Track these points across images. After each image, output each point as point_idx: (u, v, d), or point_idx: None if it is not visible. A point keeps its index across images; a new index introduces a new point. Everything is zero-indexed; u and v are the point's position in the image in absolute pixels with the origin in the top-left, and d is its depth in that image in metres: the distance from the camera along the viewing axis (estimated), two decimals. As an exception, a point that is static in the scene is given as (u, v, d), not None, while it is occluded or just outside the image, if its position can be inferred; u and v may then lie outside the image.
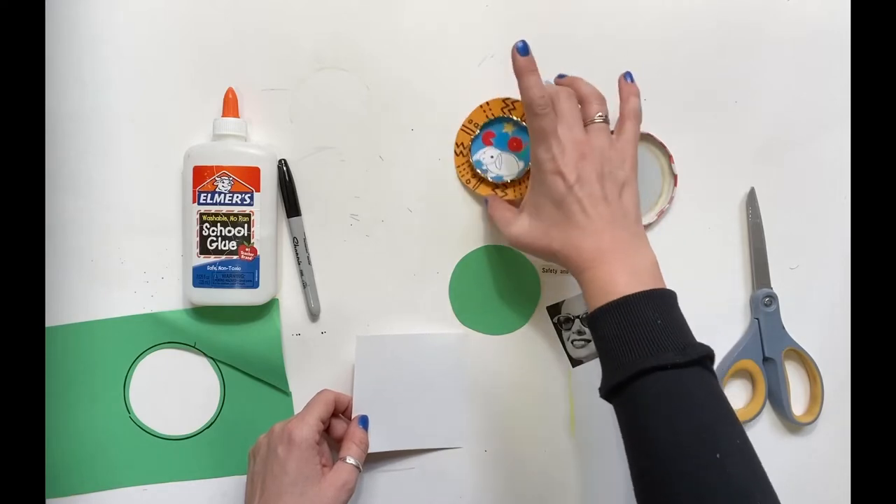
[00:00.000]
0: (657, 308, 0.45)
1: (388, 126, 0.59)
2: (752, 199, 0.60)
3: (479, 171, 0.58)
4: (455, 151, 0.59)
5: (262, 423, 0.58)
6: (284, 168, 0.58)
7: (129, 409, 0.59)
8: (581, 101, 0.52)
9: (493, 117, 0.58)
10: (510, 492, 0.60)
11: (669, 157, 0.58)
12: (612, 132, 0.52)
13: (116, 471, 0.58)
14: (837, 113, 0.60)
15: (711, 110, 0.59)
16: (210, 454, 0.59)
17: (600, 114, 0.51)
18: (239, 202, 0.55)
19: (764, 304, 0.59)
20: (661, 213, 0.59)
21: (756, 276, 0.60)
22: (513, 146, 0.58)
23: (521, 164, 0.58)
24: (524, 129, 0.58)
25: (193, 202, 0.55)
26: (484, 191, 0.58)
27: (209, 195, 0.55)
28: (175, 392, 0.59)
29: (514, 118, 0.58)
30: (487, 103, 0.58)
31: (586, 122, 0.51)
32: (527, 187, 0.54)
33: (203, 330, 0.58)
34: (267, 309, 0.58)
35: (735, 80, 0.59)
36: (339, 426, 0.57)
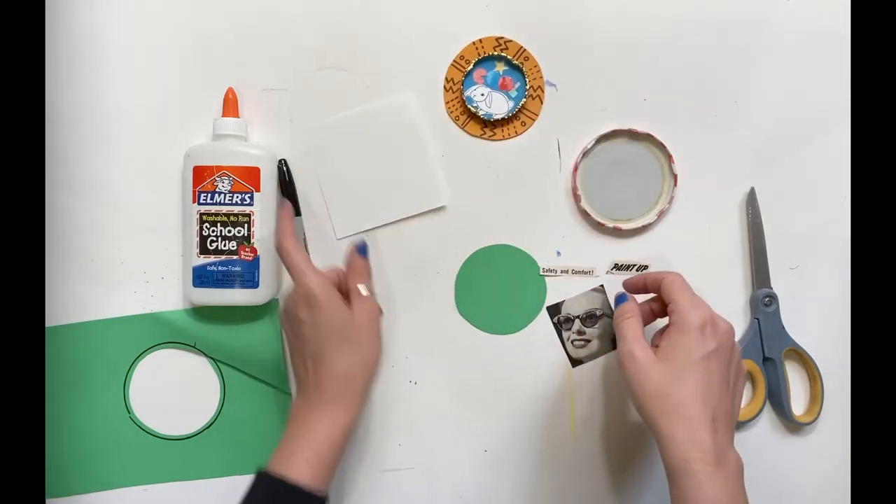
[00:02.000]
0: None
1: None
2: (752, 199, 0.60)
3: (470, 107, 0.58)
4: (444, 87, 0.58)
5: (263, 424, 0.58)
6: (284, 168, 0.58)
7: (129, 409, 0.59)
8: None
9: (484, 55, 0.58)
10: (510, 492, 0.60)
11: (669, 157, 0.58)
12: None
13: (117, 471, 0.59)
14: (837, 113, 0.60)
15: (711, 110, 0.59)
16: (210, 454, 0.59)
17: None
18: (239, 202, 0.55)
19: (764, 304, 0.59)
20: (661, 213, 0.59)
21: (756, 276, 0.60)
22: (503, 85, 0.58)
23: (511, 104, 0.58)
24: (516, 69, 0.58)
25: (193, 202, 0.55)
26: (473, 129, 0.58)
27: (209, 195, 0.55)
28: (175, 392, 0.59)
29: (507, 56, 0.58)
30: (480, 41, 0.58)
31: None
32: (514, 128, 0.58)
33: (203, 330, 0.58)
34: (267, 309, 0.58)
35: (735, 80, 0.59)
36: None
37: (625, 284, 0.57)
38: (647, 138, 0.58)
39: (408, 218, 0.59)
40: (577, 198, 0.58)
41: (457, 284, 0.59)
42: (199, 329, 0.58)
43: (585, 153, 0.58)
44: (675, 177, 0.58)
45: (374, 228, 0.59)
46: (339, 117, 0.58)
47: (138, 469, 0.59)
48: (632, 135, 0.58)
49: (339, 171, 0.59)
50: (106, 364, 0.58)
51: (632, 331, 0.51)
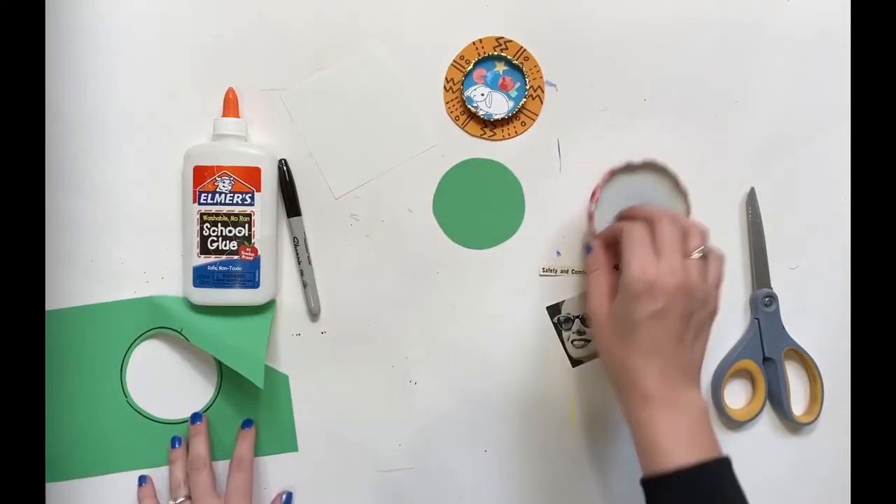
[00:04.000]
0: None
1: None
2: (752, 199, 0.60)
3: (470, 107, 0.58)
4: (444, 87, 0.59)
5: (258, 409, 0.58)
6: (284, 168, 0.58)
7: (126, 394, 0.59)
8: (683, 231, 0.50)
9: (484, 55, 0.58)
10: (510, 492, 0.60)
11: (675, 181, 0.54)
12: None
13: (115, 455, 0.59)
14: (837, 113, 0.60)
15: (711, 110, 0.59)
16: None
17: (700, 249, 0.49)
18: (239, 202, 0.55)
19: (764, 304, 0.59)
20: None
21: (756, 276, 0.60)
22: (503, 85, 0.58)
23: (511, 104, 0.58)
24: (516, 69, 0.58)
25: (194, 202, 0.55)
26: (473, 129, 0.58)
27: (209, 195, 0.55)
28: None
29: (507, 56, 0.58)
30: (480, 40, 0.58)
31: (685, 254, 0.49)
32: (514, 128, 0.58)
33: (191, 316, 0.58)
34: (265, 306, 0.58)
35: (735, 80, 0.59)
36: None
37: (601, 237, 0.54)
38: (664, 171, 0.54)
39: (401, 164, 0.59)
40: (594, 197, 0.54)
41: (435, 198, 0.59)
42: (187, 315, 0.58)
43: (596, 196, 0.54)
44: (685, 195, 0.55)
45: (370, 180, 0.59)
46: (313, 79, 0.58)
47: (136, 453, 0.59)
48: (631, 168, 0.54)
49: (324, 132, 0.59)
50: (103, 348, 0.58)
51: (595, 285, 0.52)
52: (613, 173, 0.54)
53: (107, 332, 0.58)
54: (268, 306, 0.58)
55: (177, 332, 0.58)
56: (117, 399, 0.59)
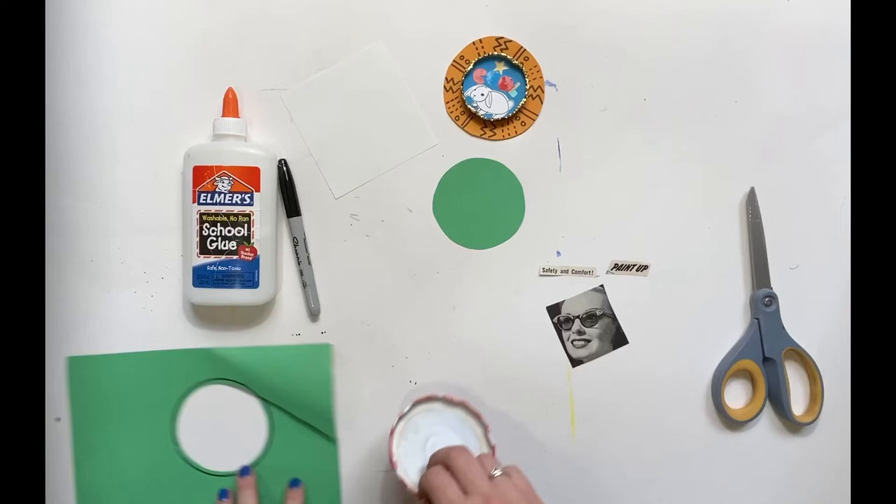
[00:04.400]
0: None
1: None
2: (752, 199, 0.60)
3: (469, 106, 0.58)
4: (444, 87, 0.59)
5: (307, 466, 0.58)
6: (284, 168, 0.58)
7: (176, 443, 0.58)
8: (478, 459, 0.50)
9: (484, 55, 0.58)
10: (510, 492, 0.60)
11: (486, 428, 0.55)
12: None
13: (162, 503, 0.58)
14: (837, 113, 0.60)
15: (711, 110, 0.59)
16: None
17: (496, 468, 0.49)
18: (239, 202, 0.55)
19: (764, 304, 0.59)
20: None
21: (756, 276, 0.60)
22: (503, 85, 0.59)
23: (511, 104, 0.58)
24: (516, 69, 0.58)
25: (193, 202, 0.55)
26: (473, 129, 0.58)
27: (209, 195, 0.55)
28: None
29: (507, 56, 0.58)
30: (480, 40, 0.58)
31: (488, 477, 0.48)
32: (514, 128, 0.58)
33: (254, 369, 0.58)
34: (320, 355, 0.58)
35: (735, 80, 0.59)
36: None
37: (419, 496, 0.52)
38: (463, 406, 0.56)
39: (401, 164, 0.59)
40: (393, 465, 0.53)
41: (435, 198, 0.59)
42: (251, 368, 0.58)
43: (402, 417, 0.55)
44: (492, 448, 0.54)
45: (370, 180, 0.59)
46: (313, 79, 0.58)
47: (184, 503, 0.58)
48: (448, 402, 0.56)
49: (324, 132, 0.59)
50: (155, 396, 0.58)
51: None
52: (416, 402, 0.55)
53: (160, 380, 0.58)
54: (323, 355, 0.58)
55: (241, 384, 0.58)
56: (167, 448, 0.58)
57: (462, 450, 0.50)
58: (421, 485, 0.50)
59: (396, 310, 0.60)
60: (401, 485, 0.54)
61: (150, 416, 0.58)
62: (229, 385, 0.59)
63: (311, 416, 0.58)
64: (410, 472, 0.54)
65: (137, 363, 0.58)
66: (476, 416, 0.56)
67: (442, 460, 0.50)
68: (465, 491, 0.47)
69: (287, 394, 0.58)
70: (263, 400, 0.58)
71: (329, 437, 0.58)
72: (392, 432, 0.54)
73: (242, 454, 0.59)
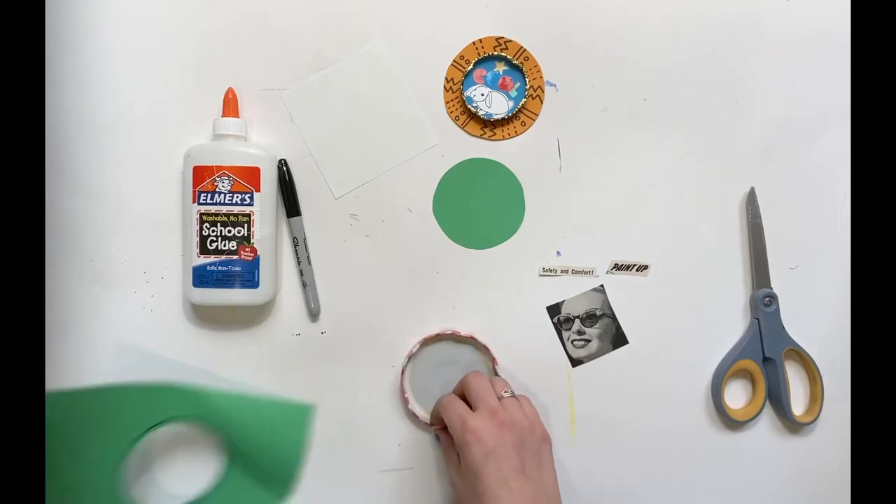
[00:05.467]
0: None
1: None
2: (752, 199, 0.60)
3: (470, 106, 0.58)
4: (444, 87, 0.59)
5: None
6: (284, 168, 0.58)
7: (119, 486, 0.56)
8: (490, 381, 0.54)
9: (484, 55, 0.58)
10: (510, 492, 0.60)
11: (493, 360, 0.58)
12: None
13: None
14: (837, 113, 0.60)
15: (711, 110, 0.60)
16: None
17: (506, 391, 0.53)
18: (239, 202, 0.55)
19: (764, 304, 0.59)
20: None
21: (756, 276, 0.60)
22: (503, 85, 0.59)
23: (511, 104, 0.58)
24: (516, 69, 0.58)
25: (193, 202, 0.55)
26: (473, 129, 0.58)
27: (209, 195, 0.55)
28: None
29: (507, 56, 0.58)
30: (480, 40, 0.58)
31: (497, 397, 0.52)
32: (514, 128, 0.58)
33: (231, 415, 0.56)
34: (299, 415, 0.58)
35: (735, 80, 0.59)
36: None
37: (435, 423, 0.57)
38: (471, 341, 0.59)
39: (401, 164, 0.59)
40: (405, 400, 0.58)
41: (435, 198, 0.59)
42: (227, 413, 0.56)
43: (411, 356, 0.58)
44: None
45: (370, 180, 0.59)
46: (313, 79, 0.58)
47: None
48: (456, 338, 0.59)
49: (324, 132, 0.59)
50: (114, 433, 0.55)
51: (447, 463, 0.55)
52: (425, 342, 0.58)
53: (124, 417, 0.55)
54: (304, 416, 0.58)
55: (209, 425, 0.57)
56: (112, 490, 0.55)
57: (477, 372, 0.55)
58: (434, 410, 0.55)
59: (396, 310, 0.60)
60: (413, 417, 0.59)
61: (102, 456, 0.55)
62: (192, 424, 0.57)
63: (270, 474, 0.57)
64: (422, 407, 0.59)
65: (95, 400, 0.55)
66: (485, 349, 0.58)
67: (458, 386, 0.55)
68: (474, 407, 0.52)
69: (254, 446, 0.57)
70: (227, 446, 0.57)
71: (279, 495, 0.58)
72: (403, 371, 0.58)
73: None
